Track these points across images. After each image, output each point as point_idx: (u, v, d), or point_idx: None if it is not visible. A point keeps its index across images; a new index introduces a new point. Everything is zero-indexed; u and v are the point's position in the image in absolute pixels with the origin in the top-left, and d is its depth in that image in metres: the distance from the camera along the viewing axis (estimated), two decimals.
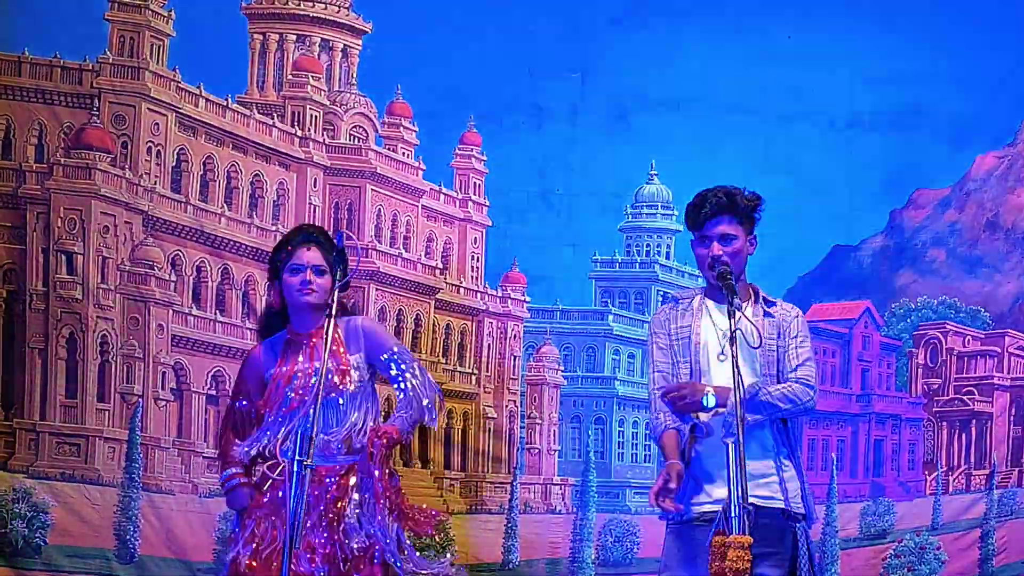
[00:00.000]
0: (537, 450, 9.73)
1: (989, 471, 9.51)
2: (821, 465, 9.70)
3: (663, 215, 10.09)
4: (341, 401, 4.88)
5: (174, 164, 9.12)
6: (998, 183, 9.60)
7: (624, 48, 9.17)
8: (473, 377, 9.88)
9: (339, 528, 4.79)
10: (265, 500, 4.85)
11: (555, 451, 9.76)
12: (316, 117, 9.60)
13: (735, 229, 4.69)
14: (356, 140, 9.74)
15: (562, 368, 9.89)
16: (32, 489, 8.61)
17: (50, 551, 8.55)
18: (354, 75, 9.85)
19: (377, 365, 4.96)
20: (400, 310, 9.76)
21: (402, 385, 4.96)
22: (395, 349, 4.97)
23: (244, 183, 9.39)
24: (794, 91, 9.19)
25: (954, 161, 9.59)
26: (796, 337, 4.70)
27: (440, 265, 9.94)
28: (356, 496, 4.81)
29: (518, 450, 9.65)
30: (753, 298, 4.75)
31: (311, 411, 4.71)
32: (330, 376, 4.80)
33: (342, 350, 4.86)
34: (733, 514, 4.35)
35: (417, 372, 4.97)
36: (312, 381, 4.80)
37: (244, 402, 4.96)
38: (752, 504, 4.45)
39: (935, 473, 9.70)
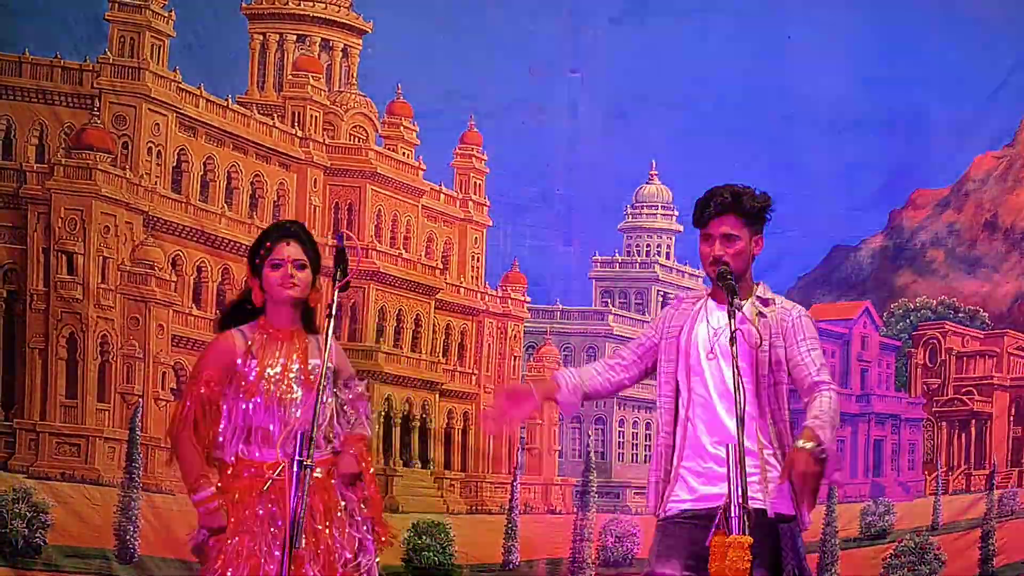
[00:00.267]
0: (537, 450, 9.74)
1: (989, 471, 9.52)
2: None
3: (663, 215, 10.10)
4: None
5: (174, 164, 9.12)
6: (997, 183, 9.61)
7: (624, 48, 9.18)
8: (473, 377, 9.89)
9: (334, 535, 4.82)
10: (259, 512, 4.83)
11: (555, 451, 9.77)
12: (316, 117, 9.60)
13: (739, 229, 4.67)
14: (356, 140, 9.74)
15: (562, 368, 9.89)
16: (32, 489, 8.60)
17: (50, 551, 8.54)
18: (354, 75, 9.86)
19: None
20: (400, 310, 9.76)
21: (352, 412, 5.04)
22: (354, 376, 5.06)
23: (244, 183, 9.39)
24: (794, 91, 9.20)
25: (953, 162, 9.60)
26: (804, 340, 4.61)
27: (440, 265, 9.94)
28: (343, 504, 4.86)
29: (518, 450, 9.66)
30: (752, 297, 4.73)
31: (311, 411, 4.71)
32: (323, 373, 4.81)
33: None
34: (733, 514, 4.35)
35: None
36: (288, 378, 4.82)
37: (208, 389, 4.88)
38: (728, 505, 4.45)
39: (935, 473, 9.70)
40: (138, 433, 8.75)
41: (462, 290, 9.98)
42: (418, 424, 9.68)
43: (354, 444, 4.94)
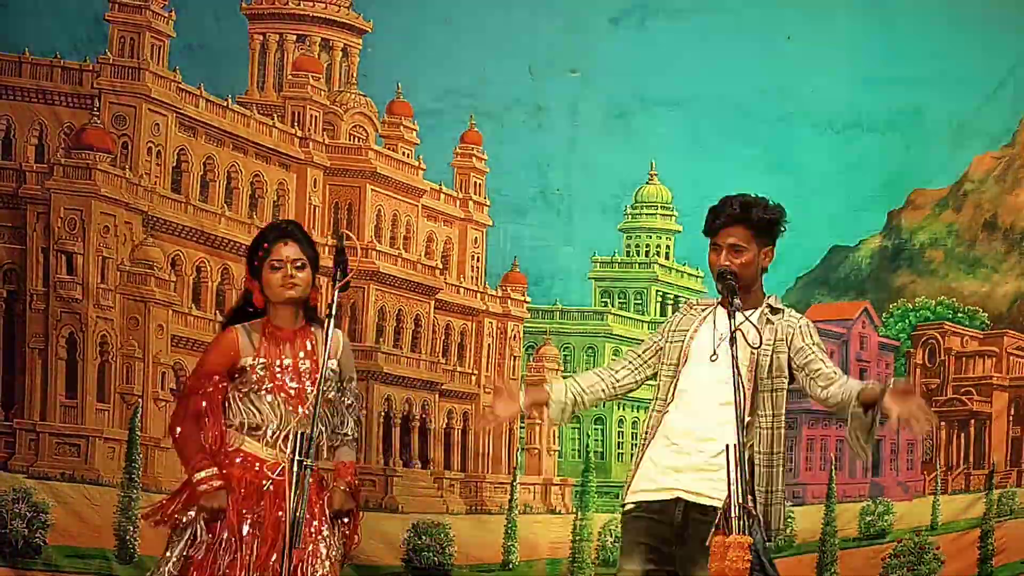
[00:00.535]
0: (537, 450, 9.74)
1: (988, 471, 9.52)
2: (820, 465, 9.71)
3: (663, 215, 10.09)
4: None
5: (174, 164, 9.12)
6: (996, 183, 9.61)
7: (624, 48, 9.17)
8: (473, 377, 9.89)
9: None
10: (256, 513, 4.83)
11: (555, 451, 9.76)
12: (316, 117, 9.60)
13: (747, 240, 4.71)
14: (356, 140, 9.74)
15: (562, 368, 9.89)
16: (32, 489, 8.60)
17: (50, 551, 8.54)
18: (354, 75, 9.86)
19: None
20: (400, 310, 9.77)
21: (350, 424, 5.03)
22: (355, 379, 5.05)
23: (244, 183, 9.40)
24: (793, 91, 9.19)
25: (952, 162, 9.59)
26: (814, 344, 4.70)
27: (440, 265, 9.94)
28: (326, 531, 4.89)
29: (518, 450, 9.66)
30: (762, 306, 4.75)
31: (312, 411, 4.72)
32: (322, 375, 4.82)
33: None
34: (734, 514, 4.36)
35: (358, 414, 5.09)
36: (295, 375, 4.83)
37: (214, 384, 4.89)
38: (682, 499, 4.48)
39: (934, 473, 9.70)
40: (138, 433, 8.75)
41: (462, 290, 9.98)
42: (418, 424, 9.68)
43: (346, 477, 4.93)
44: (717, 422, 4.61)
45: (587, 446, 9.76)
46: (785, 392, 4.69)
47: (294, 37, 9.78)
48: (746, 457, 4.49)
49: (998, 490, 9.40)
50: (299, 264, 4.89)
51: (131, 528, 8.62)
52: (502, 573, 9.24)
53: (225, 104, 9.32)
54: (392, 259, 9.70)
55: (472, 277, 10.01)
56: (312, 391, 4.83)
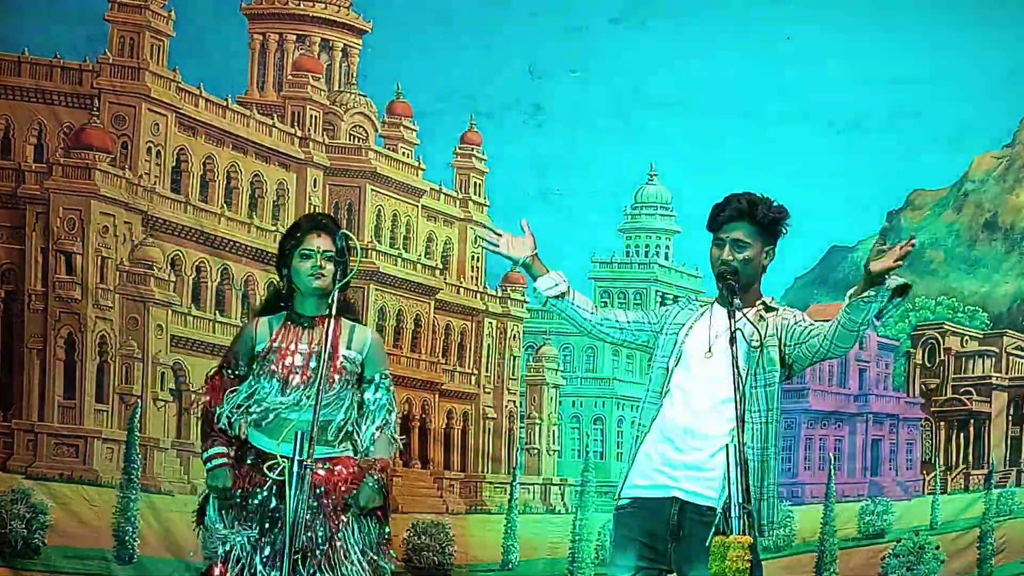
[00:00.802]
0: (536, 450, 9.74)
1: (987, 471, 9.52)
2: (819, 465, 9.71)
3: (663, 215, 10.10)
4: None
5: (174, 164, 9.12)
6: (996, 184, 9.61)
7: (624, 48, 9.17)
8: (473, 377, 9.89)
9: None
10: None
11: (554, 451, 9.76)
12: (316, 117, 9.60)
13: (750, 237, 4.70)
14: (356, 140, 9.74)
15: (562, 368, 9.90)
16: (31, 490, 8.59)
17: (49, 552, 8.54)
18: (354, 75, 9.86)
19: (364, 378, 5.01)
20: (400, 310, 9.77)
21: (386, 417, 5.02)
22: (387, 376, 5.03)
23: (244, 183, 9.39)
24: (793, 92, 9.19)
25: (952, 162, 9.59)
26: (808, 325, 4.67)
27: (440, 265, 9.94)
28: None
29: (518, 450, 9.66)
30: (758, 305, 4.75)
31: (312, 411, 4.72)
32: (326, 372, 4.82)
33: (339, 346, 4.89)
34: (734, 514, 4.36)
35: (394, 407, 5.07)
36: (306, 366, 4.84)
37: (236, 371, 4.97)
38: (678, 499, 4.48)
39: (933, 473, 9.71)
40: (136, 434, 8.74)
41: (462, 290, 9.98)
42: (418, 424, 9.68)
43: (379, 470, 4.92)
44: (714, 420, 4.60)
45: (587, 446, 9.76)
46: (778, 387, 4.67)
47: (294, 37, 9.77)
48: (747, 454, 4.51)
49: (997, 490, 9.41)
50: (329, 256, 4.92)
51: (130, 529, 8.61)
52: (502, 573, 9.24)
53: (225, 104, 9.31)
54: (392, 259, 9.70)
55: (472, 277, 10.01)
56: (325, 378, 4.84)
